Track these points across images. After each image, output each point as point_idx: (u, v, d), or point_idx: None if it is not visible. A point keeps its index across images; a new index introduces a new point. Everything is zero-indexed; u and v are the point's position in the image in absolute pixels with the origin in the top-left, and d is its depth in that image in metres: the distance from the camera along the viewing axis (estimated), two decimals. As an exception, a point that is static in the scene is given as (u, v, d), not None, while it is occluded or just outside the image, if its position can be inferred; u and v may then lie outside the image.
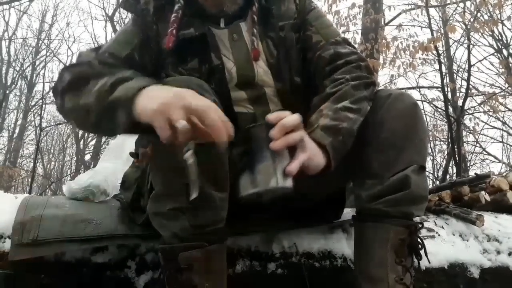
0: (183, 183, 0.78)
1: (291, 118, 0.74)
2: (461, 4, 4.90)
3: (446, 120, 5.35)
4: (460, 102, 4.94)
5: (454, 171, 4.45)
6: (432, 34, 4.61)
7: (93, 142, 12.75)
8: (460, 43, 5.79)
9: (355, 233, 0.95)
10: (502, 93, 6.48)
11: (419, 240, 0.90)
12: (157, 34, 0.97)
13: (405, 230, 0.87)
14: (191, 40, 0.94)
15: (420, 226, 0.90)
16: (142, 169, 1.02)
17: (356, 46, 5.18)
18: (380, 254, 0.86)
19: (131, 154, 1.12)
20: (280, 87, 0.97)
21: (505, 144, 9.07)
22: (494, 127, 8.10)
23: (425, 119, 0.96)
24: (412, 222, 0.89)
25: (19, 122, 12.35)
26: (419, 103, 1.00)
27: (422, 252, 0.91)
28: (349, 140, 0.85)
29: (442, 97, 4.81)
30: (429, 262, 1.06)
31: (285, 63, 0.98)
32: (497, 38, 7.46)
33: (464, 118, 5.58)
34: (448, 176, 5.21)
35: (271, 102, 0.98)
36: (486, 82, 7.95)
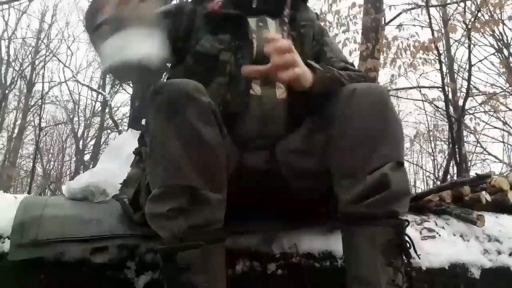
0: (181, 184, 0.80)
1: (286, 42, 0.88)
2: (462, 4, 4.89)
3: (446, 120, 5.35)
4: (460, 102, 4.93)
5: (455, 171, 4.44)
6: (433, 34, 4.60)
7: (93, 142, 12.77)
8: (461, 43, 5.81)
9: (342, 237, 0.93)
10: (503, 93, 6.50)
11: (407, 238, 0.88)
12: (192, 12, 1.11)
13: (391, 230, 0.86)
14: (228, 18, 1.08)
15: (406, 224, 0.88)
16: (143, 168, 1.03)
17: (357, 46, 5.18)
18: (369, 258, 0.85)
19: (135, 152, 1.12)
20: None
21: (506, 144, 9.09)
22: (495, 127, 8.11)
23: (397, 111, 0.95)
24: (398, 221, 0.87)
25: (18, 122, 12.36)
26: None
27: (412, 251, 0.88)
28: (334, 82, 0.97)
29: (442, 97, 4.81)
30: (420, 259, 1.05)
31: (300, 54, 0.98)
32: (498, 38, 7.47)
33: (464, 118, 5.58)
34: (449, 176, 5.20)
35: (278, 87, 1.05)
36: (487, 82, 7.97)
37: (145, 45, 0.81)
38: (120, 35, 0.81)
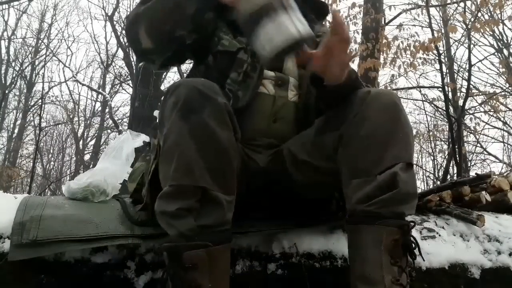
0: (193, 184, 0.80)
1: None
2: (462, 4, 4.90)
3: (446, 120, 5.35)
4: (460, 102, 4.94)
5: (455, 171, 4.44)
6: (433, 34, 4.60)
7: (93, 142, 12.78)
8: (461, 43, 5.81)
9: (348, 235, 0.94)
10: (503, 93, 6.51)
11: (412, 239, 0.89)
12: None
13: (398, 231, 0.86)
14: None
15: (412, 225, 0.89)
16: (148, 160, 1.04)
17: (357, 46, 5.19)
18: (375, 256, 0.85)
19: (143, 145, 1.14)
20: (303, 73, 1.09)
21: (506, 144, 9.09)
22: (495, 127, 8.12)
23: (407, 115, 0.96)
24: (405, 222, 0.88)
25: (18, 122, 12.36)
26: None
27: (416, 251, 0.89)
28: (356, 84, 0.98)
29: (442, 97, 4.81)
30: (424, 260, 1.05)
31: None
32: (498, 38, 7.48)
33: (464, 118, 5.59)
34: (448, 176, 5.20)
35: (290, 90, 1.10)
36: (486, 82, 7.96)
37: (298, 22, 0.81)
38: (271, 19, 0.79)
